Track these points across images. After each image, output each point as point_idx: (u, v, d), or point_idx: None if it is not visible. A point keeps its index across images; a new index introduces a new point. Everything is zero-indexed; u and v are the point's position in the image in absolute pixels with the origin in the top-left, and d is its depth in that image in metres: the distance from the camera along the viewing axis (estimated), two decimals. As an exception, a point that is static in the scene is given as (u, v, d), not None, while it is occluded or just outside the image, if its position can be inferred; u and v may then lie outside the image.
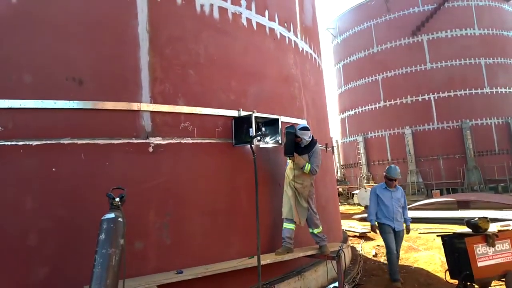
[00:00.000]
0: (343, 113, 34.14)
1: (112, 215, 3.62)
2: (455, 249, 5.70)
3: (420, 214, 15.10)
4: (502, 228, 5.81)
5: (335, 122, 36.13)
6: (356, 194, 23.01)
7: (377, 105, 30.23)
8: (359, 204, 21.89)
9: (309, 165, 5.51)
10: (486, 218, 5.64)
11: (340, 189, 29.82)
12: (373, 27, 30.95)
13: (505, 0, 29.77)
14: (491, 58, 28.02)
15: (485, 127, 27.09)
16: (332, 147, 9.66)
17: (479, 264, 5.40)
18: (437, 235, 6.39)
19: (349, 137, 33.15)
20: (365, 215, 16.80)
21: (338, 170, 35.20)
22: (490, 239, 5.47)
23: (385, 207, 6.77)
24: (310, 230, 5.74)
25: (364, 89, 31.30)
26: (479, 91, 27.46)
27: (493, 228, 5.79)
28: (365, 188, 21.15)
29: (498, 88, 27.70)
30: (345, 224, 14.37)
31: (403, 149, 28.04)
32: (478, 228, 5.58)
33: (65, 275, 3.88)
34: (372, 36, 30.90)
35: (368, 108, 30.88)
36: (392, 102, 29.31)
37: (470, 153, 26.18)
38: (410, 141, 27.62)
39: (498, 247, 5.53)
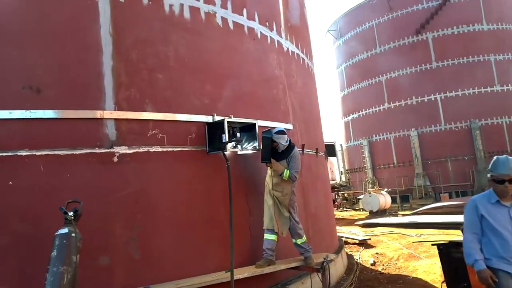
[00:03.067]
0: (346, 117, 33.66)
1: (65, 230, 3.40)
2: (452, 259, 5.32)
3: (427, 219, 14.62)
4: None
5: (338, 126, 35.72)
6: (361, 199, 22.57)
7: (381, 107, 29.71)
8: (364, 210, 21.47)
9: (288, 171, 5.23)
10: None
11: (346, 195, 29.43)
12: (375, 27, 30.47)
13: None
14: (501, 54, 27.13)
15: (496, 127, 26.26)
16: (326, 152, 9.35)
17: (479, 275, 5.01)
18: (432, 244, 5.98)
19: (354, 141, 32.64)
20: (368, 220, 16.53)
21: (343, 174, 34.72)
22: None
23: (498, 237, 3.60)
24: (294, 241, 5.44)
25: (367, 91, 30.79)
26: (489, 89, 26.65)
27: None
28: (370, 193, 20.70)
29: (510, 85, 26.83)
30: (347, 231, 14.04)
31: (409, 151, 27.41)
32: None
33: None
34: (375, 36, 30.40)
35: (372, 111, 30.36)
36: (397, 103, 28.74)
37: (480, 154, 25.46)
38: (416, 143, 27.02)
39: (499, 257, 5.11)
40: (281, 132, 5.36)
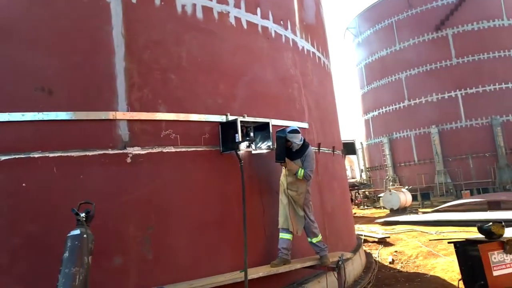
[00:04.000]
0: (366, 114, 33.33)
1: (77, 231, 3.42)
2: (468, 257, 5.22)
3: (447, 216, 14.44)
4: (520, 233, 5.27)
5: (359, 124, 35.37)
6: (382, 197, 22.32)
7: (401, 105, 29.35)
8: (384, 207, 21.24)
9: (302, 170, 5.17)
10: (501, 223, 5.14)
11: (366, 192, 29.20)
12: (395, 24, 30.13)
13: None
14: (522, 49, 26.55)
15: (518, 123, 25.74)
16: (343, 150, 9.23)
17: (495, 273, 4.91)
18: (448, 242, 5.88)
19: (374, 139, 32.30)
20: (388, 218, 16.31)
21: (363, 172, 34.39)
22: (507, 246, 4.97)
23: None
24: (309, 240, 5.39)
25: (387, 88, 30.46)
26: (509, 85, 26.19)
27: (511, 233, 5.27)
28: (390, 191, 20.45)
29: (531, 81, 26.27)
30: (367, 229, 13.91)
31: (430, 149, 27.02)
32: (491, 234, 5.08)
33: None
34: (394, 33, 30.07)
35: (392, 108, 30.01)
36: (417, 100, 28.38)
37: (501, 150, 24.99)
38: (437, 141, 26.60)
39: (517, 254, 5.00)
40: (295, 131, 5.30)
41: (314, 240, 5.34)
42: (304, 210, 5.29)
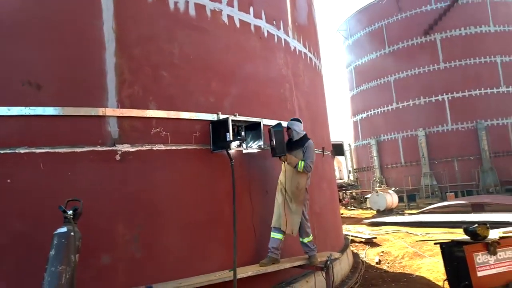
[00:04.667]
0: (355, 116, 33.52)
1: (64, 229, 3.36)
2: (454, 258, 5.28)
3: (433, 218, 14.63)
4: (504, 235, 5.35)
5: (347, 126, 35.57)
6: (368, 198, 22.48)
7: (389, 107, 29.58)
8: (371, 208, 21.39)
9: (302, 162, 5.20)
10: (486, 225, 5.20)
11: (353, 193, 29.38)
12: (385, 27, 30.35)
13: (522, -6, 28.83)
14: (507, 56, 27.07)
15: (501, 127, 26.21)
16: (332, 151, 9.26)
17: (479, 274, 4.97)
18: (434, 243, 5.94)
19: (362, 140, 32.51)
20: (375, 219, 16.43)
21: (351, 173, 34.61)
22: (491, 247, 5.03)
23: None
24: (301, 239, 5.38)
25: (376, 91, 30.68)
26: (494, 90, 26.61)
27: (495, 234, 5.34)
28: (377, 192, 20.60)
29: (515, 86, 26.74)
30: (354, 229, 13.99)
31: (417, 151, 27.31)
32: (477, 236, 5.14)
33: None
34: (384, 36, 30.30)
35: (381, 110, 30.24)
36: (405, 103, 28.64)
37: (485, 154, 25.38)
38: (424, 143, 26.92)
39: (500, 255, 5.09)
40: (296, 119, 5.49)
41: (306, 239, 5.33)
42: (302, 208, 5.29)
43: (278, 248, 5.22)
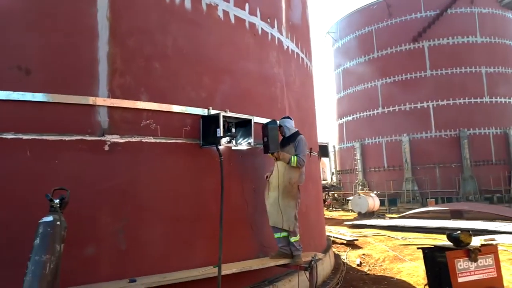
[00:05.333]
0: (341, 119, 33.74)
1: (50, 218, 3.27)
2: (436, 263, 5.36)
3: (413, 222, 14.83)
4: (485, 242, 5.46)
5: (333, 128, 35.77)
6: (350, 200, 22.71)
7: (375, 112, 29.86)
8: (353, 211, 21.60)
9: (295, 157, 5.22)
10: (468, 231, 5.30)
11: (336, 195, 29.61)
12: (374, 32, 30.57)
13: (509, 8, 29.35)
14: (492, 67, 27.62)
15: (483, 137, 26.69)
16: (319, 152, 9.31)
17: (460, 280, 5.06)
18: (417, 248, 6.03)
19: (346, 143, 32.75)
20: (356, 222, 16.60)
21: (334, 175, 34.85)
22: (472, 254, 5.13)
23: None
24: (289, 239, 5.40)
25: (363, 94, 30.91)
26: (478, 100, 27.07)
27: (476, 241, 5.44)
28: (359, 195, 20.81)
29: (498, 97, 27.29)
30: (335, 231, 14.09)
31: (400, 156, 27.62)
32: (459, 242, 5.23)
33: (4, 281, 3.52)
34: (373, 40, 30.51)
35: (366, 114, 30.50)
36: (391, 108, 28.92)
37: (466, 162, 25.82)
38: (407, 149, 27.25)
39: (480, 262, 5.19)
40: (287, 117, 5.63)
41: (293, 239, 5.34)
42: (295, 204, 5.32)
43: (289, 244, 5.35)
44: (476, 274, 5.16)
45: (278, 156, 5.29)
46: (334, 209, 26.81)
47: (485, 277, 5.19)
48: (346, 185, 31.98)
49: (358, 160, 30.34)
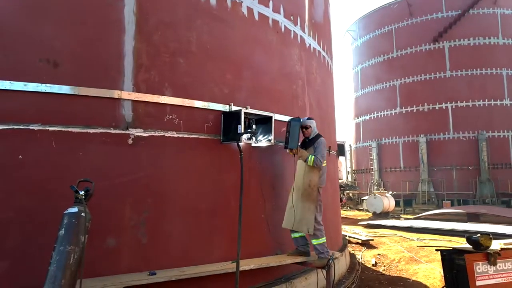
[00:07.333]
0: (358, 118, 33.49)
1: (75, 209, 3.32)
2: (454, 265, 5.29)
3: (429, 224, 14.69)
4: (505, 246, 5.37)
5: (349, 127, 35.56)
6: (365, 200, 22.56)
7: (393, 111, 29.54)
8: (367, 210, 21.46)
9: (312, 156, 5.20)
10: (488, 235, 5.21)
11: (350, 194, 29.44)
12: (394, 31, 30.23)
13: (533, 9, 28.71)
14: (513, 69, 27.07)
15: (502, 140, 26.19)
16: (337, 151, 9.26)
17: (478, 283, 5.00)
18: (436, 249, 5.97)
19: (363, 142, 32.51)
20: (371, 221, 16.49)
21: (349, 174, 34.66)
22: (492, 257, 5.06)
23: None
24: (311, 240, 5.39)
25: (381, 94, 30.60)
26: (498, 102, 26.57)
27: (496, 245, 5.35)
28: (375, 195, 20.66)
29: (518, 100, 26.78)
30: (350, 230, 14.03)
31: (417, 157, 27.33)
32: (479, 245, 5.15)
33: (27, 270, 3.61)
34: (393, 40, 30.18)
35: (384, 114, 30.20)
36: (409, 109, 28.60)
37: (484, 165, 25.38)
38: (424, 150, 26.93)
39: (499, 266, 5.12)
40: (310, 118, 5.64)
41: (314, 242, 5.30)
42: (315, 208, 5.27)
43: (307, 243, 5.41)
44: (495, 278, 5.10)
45: (296, 152, 5.28)
46: (348, 209, 26.70)
47: (503, 281, 5.12)
48: (361, 185, 31.75)
49: (374, 160, 30.10)
